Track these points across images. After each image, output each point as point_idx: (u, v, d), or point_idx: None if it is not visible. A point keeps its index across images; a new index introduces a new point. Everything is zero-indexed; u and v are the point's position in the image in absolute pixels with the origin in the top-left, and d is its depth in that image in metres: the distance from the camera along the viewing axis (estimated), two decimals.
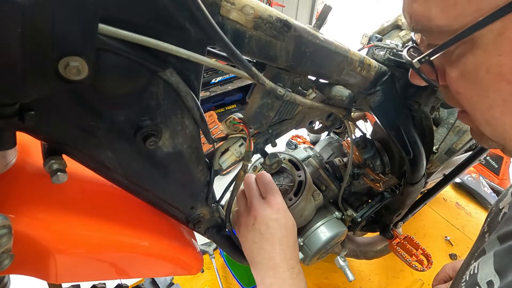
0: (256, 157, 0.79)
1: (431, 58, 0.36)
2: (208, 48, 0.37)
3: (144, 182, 0.45)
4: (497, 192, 1.73)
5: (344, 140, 0.95)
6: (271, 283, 0.51)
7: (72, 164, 0.36)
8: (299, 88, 0.51)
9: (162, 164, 0.44)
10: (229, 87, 2.34)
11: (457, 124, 0.88)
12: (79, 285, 0.59)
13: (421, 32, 0.38)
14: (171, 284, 1.13)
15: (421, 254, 1.00)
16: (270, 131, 0.57)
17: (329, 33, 0.55)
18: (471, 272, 0.38)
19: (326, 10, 0.44)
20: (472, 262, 0.41)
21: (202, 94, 2.17)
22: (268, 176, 0.60)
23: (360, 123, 0.98)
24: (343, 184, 0.81)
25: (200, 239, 0.69)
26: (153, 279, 1.11)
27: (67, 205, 0.41)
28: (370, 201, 0.90)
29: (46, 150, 0.35)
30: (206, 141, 0.47)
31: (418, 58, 0.37)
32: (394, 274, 1.31)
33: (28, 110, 0.29)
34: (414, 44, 0.42)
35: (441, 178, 1.00)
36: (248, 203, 0.59)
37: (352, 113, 0.82)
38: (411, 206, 0.97)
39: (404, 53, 0.41)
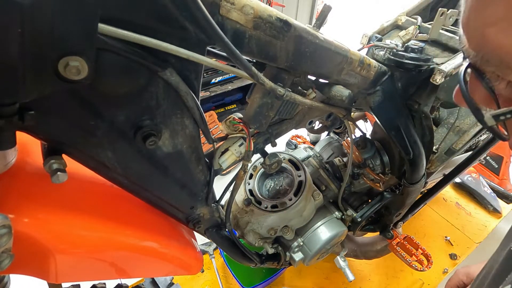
0: (256, 157, 0.79)
1: None
2: (208, 48, 0.37)
3: (144, 182, 0.45)
4: (497, 192, 1.73)
5: (344, 140, 0.95)
6: None
7: (72, 164, 0.36)
8: (299, 88, 0.51)
9: (162, 164, 0.44)
10: (229, 87, 2.33)
11: (457, 124, 0.88)
12: (79, 285, 0.59)
13: (493, 65, 0.28)
14: (171, 284, 1.13)
15: (421, 254, 1.00)
16: (270, 131, 0.57)
17: (329, 33, 0.55)
18: None
19: (326, 10, 0.44)
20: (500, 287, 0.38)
21: (202, 94, 2.17)
22: None
23: (360, 123, 0.98)
24: (343, 184, 0.81)
25: (200, 239, 0.69)
26: (153, 279, 1.11)
27: (67, 205, 0.41)
28: (370, 201, 0.90)
29: (46, 150, 0.35)
30: (206, 141, 0.48)
31: (495, 113, 0.27)
32: (394, 274, 1.31)
33: (28, 109, 0.29)
34: (469, 68, 0.31)
35: (441, 178, 0.99)
36: None
37: (352, 113, 0.82)
38: (411, 206, 0.97)
39: (462, 85, 0.30)
